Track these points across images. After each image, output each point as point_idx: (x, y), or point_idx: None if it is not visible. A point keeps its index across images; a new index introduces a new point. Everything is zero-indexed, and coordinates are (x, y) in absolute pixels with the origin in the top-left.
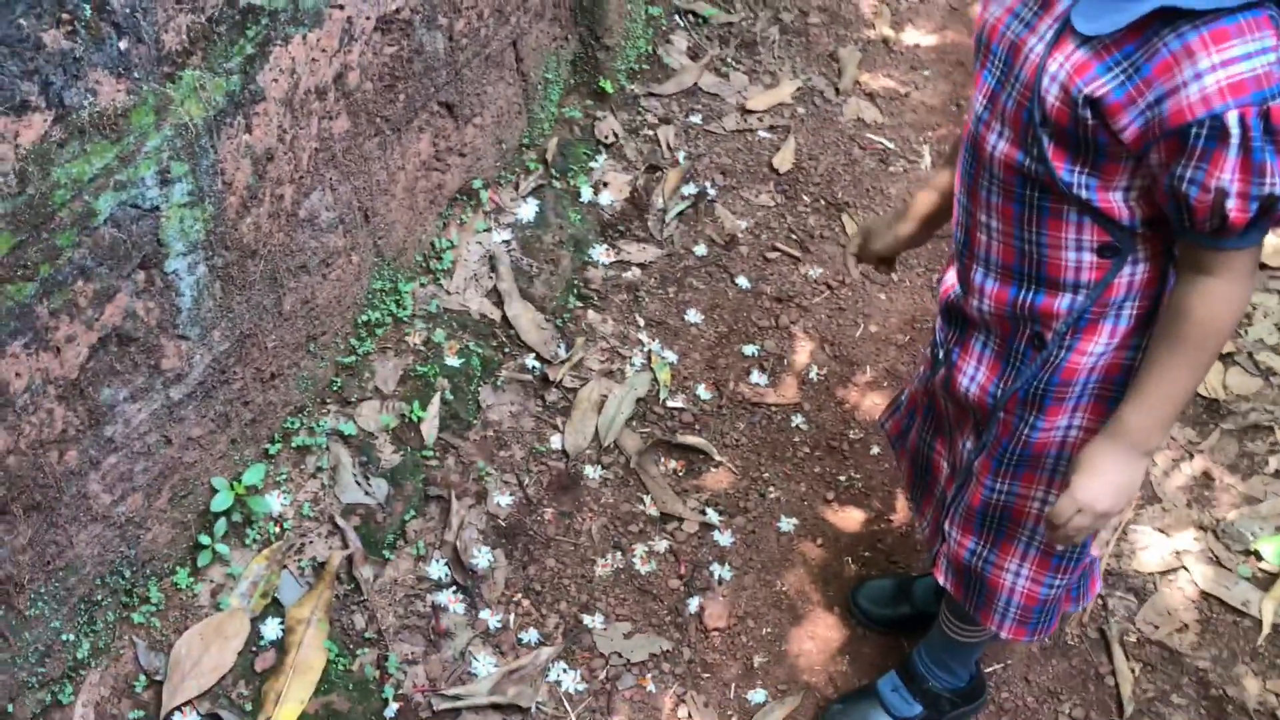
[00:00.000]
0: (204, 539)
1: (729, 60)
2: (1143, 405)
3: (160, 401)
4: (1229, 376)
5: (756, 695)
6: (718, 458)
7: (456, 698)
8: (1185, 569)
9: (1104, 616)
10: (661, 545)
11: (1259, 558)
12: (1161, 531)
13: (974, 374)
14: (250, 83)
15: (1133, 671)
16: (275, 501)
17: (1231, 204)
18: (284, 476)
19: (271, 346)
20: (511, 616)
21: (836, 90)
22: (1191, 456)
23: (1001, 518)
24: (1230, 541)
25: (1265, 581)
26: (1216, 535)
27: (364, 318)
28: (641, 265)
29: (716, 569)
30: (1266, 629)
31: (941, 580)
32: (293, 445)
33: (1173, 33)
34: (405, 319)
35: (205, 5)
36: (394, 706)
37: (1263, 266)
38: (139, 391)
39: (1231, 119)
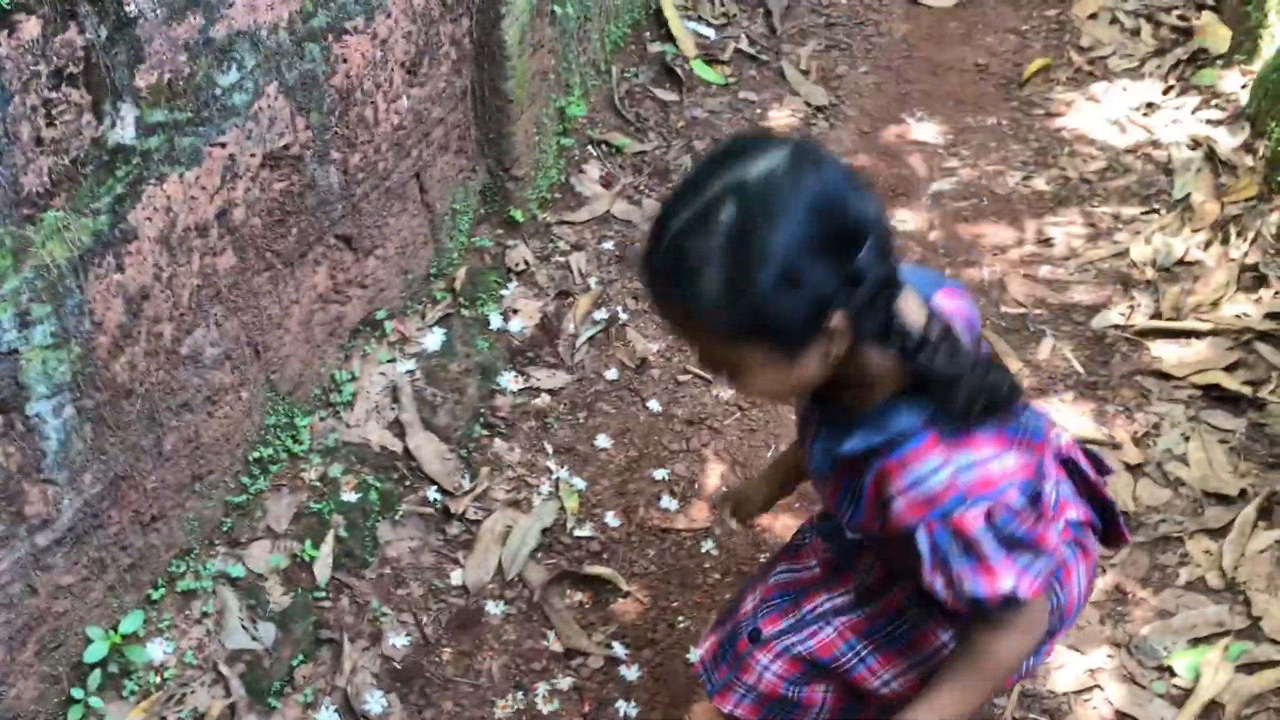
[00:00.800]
0: (76, 692)
1: (641, 188)
2: (929, 710)
3: (24, 550)
4: (1139, 488)
5: None
6: (625, 588)
7: None
8: (1100, 687)
9: None
10: (565, 683)
11: (1172, 673)
12: (1075, 649)
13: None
14: (120, 222)
15: None
16: (156, 649)
17: (949, 599)
18: (166, 623)
19: (151, 488)
20: None
21: None
22: (1104, 571)
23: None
24: (1144, 658)
25: (1179, 698)
26: (1130, 652)
27: (256, 454)
28: (551, 391)
29: (622, 706)
30: None
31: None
32: (177, 589)
33: (867, 466)
34: (301, 454)
35: (69, 147)
36: None
37: (1166, 377)
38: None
39: (920, 536)
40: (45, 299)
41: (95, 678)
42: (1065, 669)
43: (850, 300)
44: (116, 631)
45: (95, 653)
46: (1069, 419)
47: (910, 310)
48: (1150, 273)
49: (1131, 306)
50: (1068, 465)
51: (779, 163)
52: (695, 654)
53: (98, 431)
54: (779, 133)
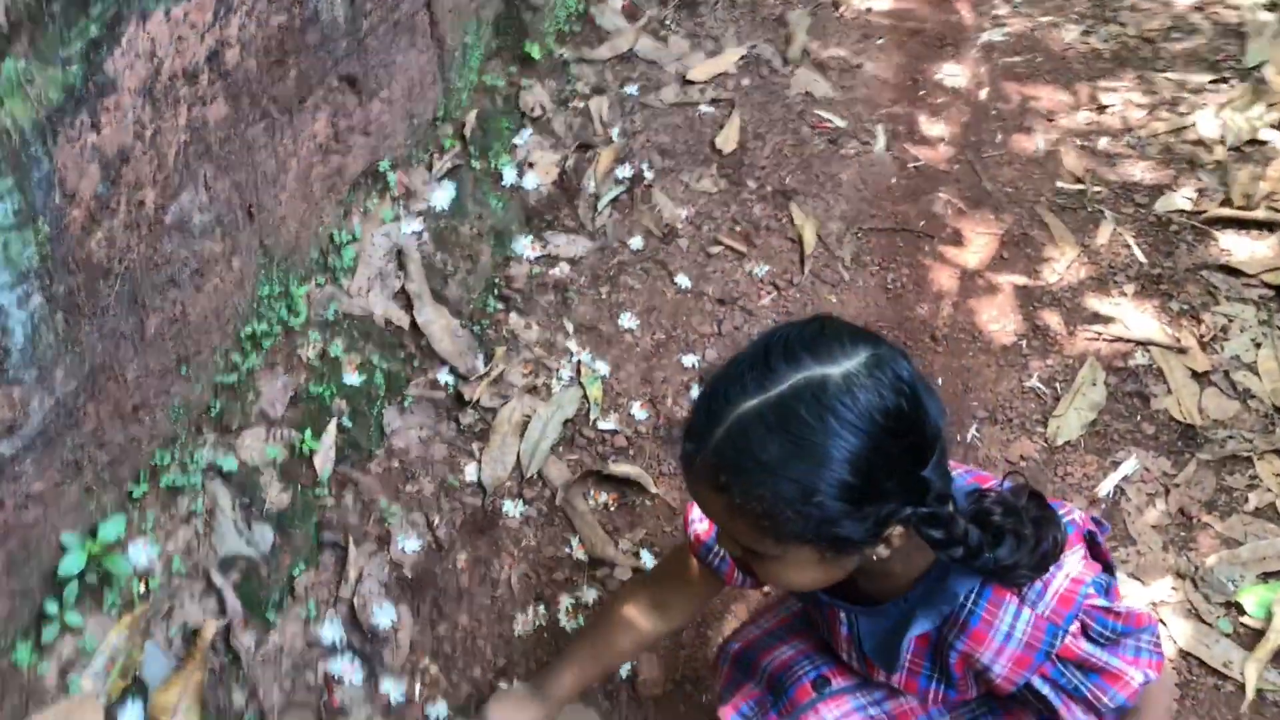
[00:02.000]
0: (50, 607)
1: (668, 23)
2: None
3: None
4: (1205, 398)
5: None
6: (654, 489)
7: None
8: (1163, 623)
9: None
10: (590, 595)
11: (1240, 610)
12: (1137, 578)
13: None
14: (96, 72)
15: None
16: (139, 555)
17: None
18: (150, 524)
19: (133, 377)
20: (417, 686)
21: (784, 60)
22: (1167, 491)
23: None
24: (1210, 591)
25: (1248, 639)
26: (1195, 584)
27: (249, 329)
28: (571, 261)
29: None
30: (1250, 694)
31: None
32: (161, 485)
33: (947, 644)
34: (298, 328)
35: None
36: None
37: (1235, 273)
38: None
39: (1038, 683)
40: (5, 170)
41: (72, 590)
42: (1125, 601)
43: (913, 513)
44: (95, 539)
45: (71, 564)
46: (1128, 313)
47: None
48: (1219, 152)
49: (1199, 190)
50: (1087, 537)
51: (860, 366)
52: (723, 706)
53: (71, 320)
54: (856, 327)
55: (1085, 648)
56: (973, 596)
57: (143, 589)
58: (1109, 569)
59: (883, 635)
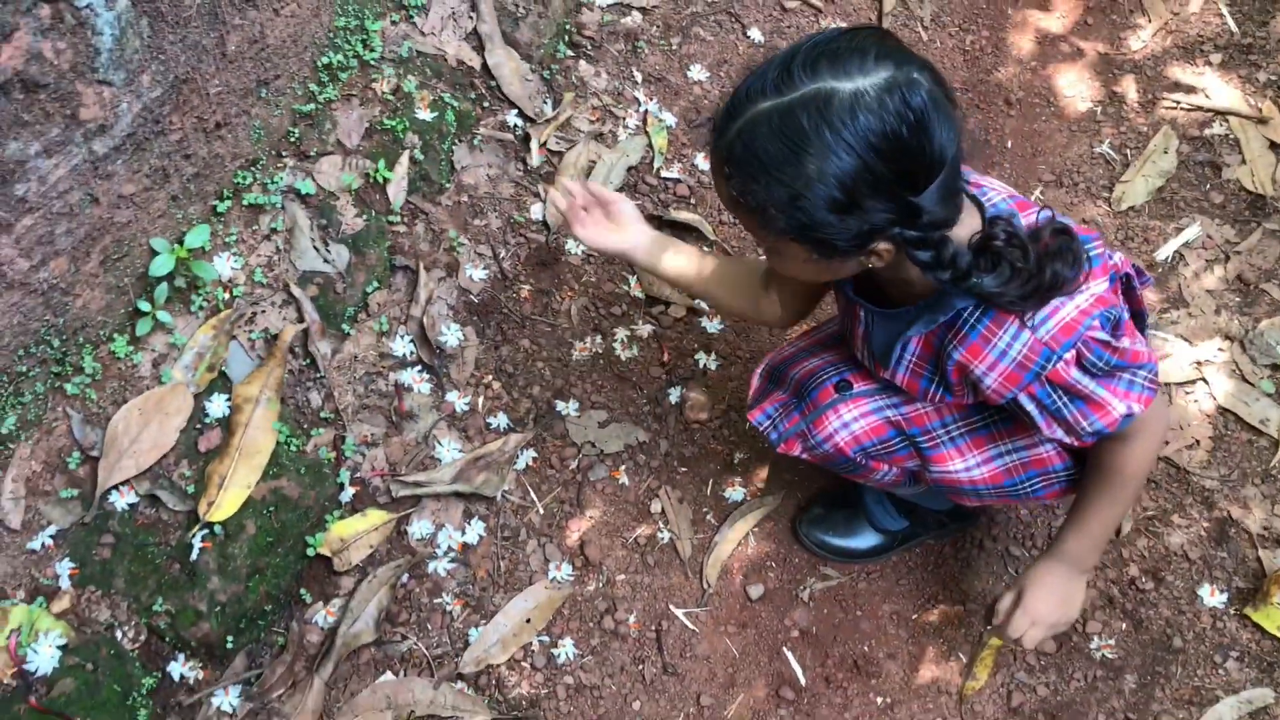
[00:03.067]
0: (143, 305)
1: None
2: (1082, 535)
3: (81, 156)
4: (1279, 170)
5: (734, 493)
6: (712, 237)
7: (417, 484)
8: (1205, 380)
9: None
10: (645, 330)
11: None
12: (1185, 339)
13: None
14: None
15: None
16: (224, 265)
17: (1074, 442)
18: (233, 238)
19: (215, 92)
20: (480, 399)
21: None
22: (1227, 258)
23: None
24: (1256, 354)
25: None
26: (1243, 346)
27: (325, 60)
28: (643, 10)
29: (702, 358)
30: None
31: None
32: (243, 203)
33: (944, 354)
34: (373, 62)
35: None
36: (349, 491)
37: None
38: (54, 145)
39: (1024, 399)
40: None
41: (162, 291)
42: (1171, 359)
43: (900, 233)
44: (182, 245)
45: (161, 266)
46: (1212, 85)
47: (964, 230)
48: None
49: None
50: (1123, 280)
51: (872, 86)
52: (750, 408)
53: (155, 28)
54: (892, 45)
55: (1074, 374)
56: (975, 313)
57: (226, 296)
58: (1140, 316)
59: (889, 335)
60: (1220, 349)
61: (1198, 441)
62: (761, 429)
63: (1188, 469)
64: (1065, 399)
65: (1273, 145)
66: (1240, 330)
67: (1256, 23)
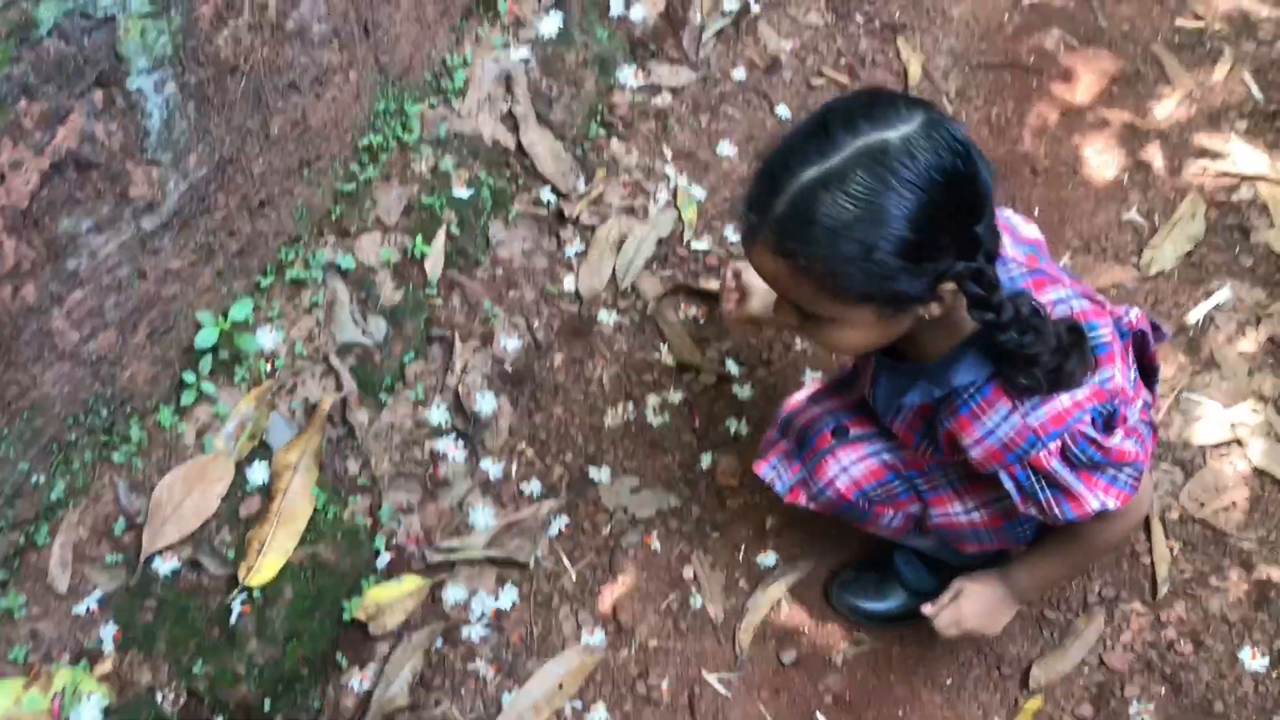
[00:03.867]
0: (188, 376)
1: None
2: (1032, 572)
3: (130, 232)
4: None
5: (767, 559)
6: None
7: (451, 550)
8: (1240, 443)
9: None
10: (676, 397)
11: None
12: (1218, 401)
13: None
14: None
15: (1171, 550)
16: (266, 338)
17: (1046, 520)
18: (276, 312)
19: (259, 172)
20: (514, 466)
21: None
22: (1259, 321)
23: None
24: None
25: None
26: (1277, 408)
27: (365, 141)
28: (673, 90)
29: (733, 424)
30: None
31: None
32: (286, 279)
33: (937, 420)
34: (411, 144)
35: None
36: (385, 557)
37: None
38: (105, 222)
39: (1003, 476)
40: None
41: (206, 363)
42: (1204, 420)
43: (965, 267)
44: (226, 318)
45: (206, 338)
46: (1238, 151)
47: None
48: None
49: None
50: (1136, 337)
51: (915, 129)
52: (756, 460)
53: (201, 110)
54: (907, 94)
55: (1055, 464)
56: (971, 390)
57: (268, 367)
58: (1151, 371)
59: (891, 389)
60: (1254, 410)
61: (1234, 503)
62: (767, 480)
63: (1225, 530)
64: (1043, 484)
65: None
66: (1274, 391)
67: None
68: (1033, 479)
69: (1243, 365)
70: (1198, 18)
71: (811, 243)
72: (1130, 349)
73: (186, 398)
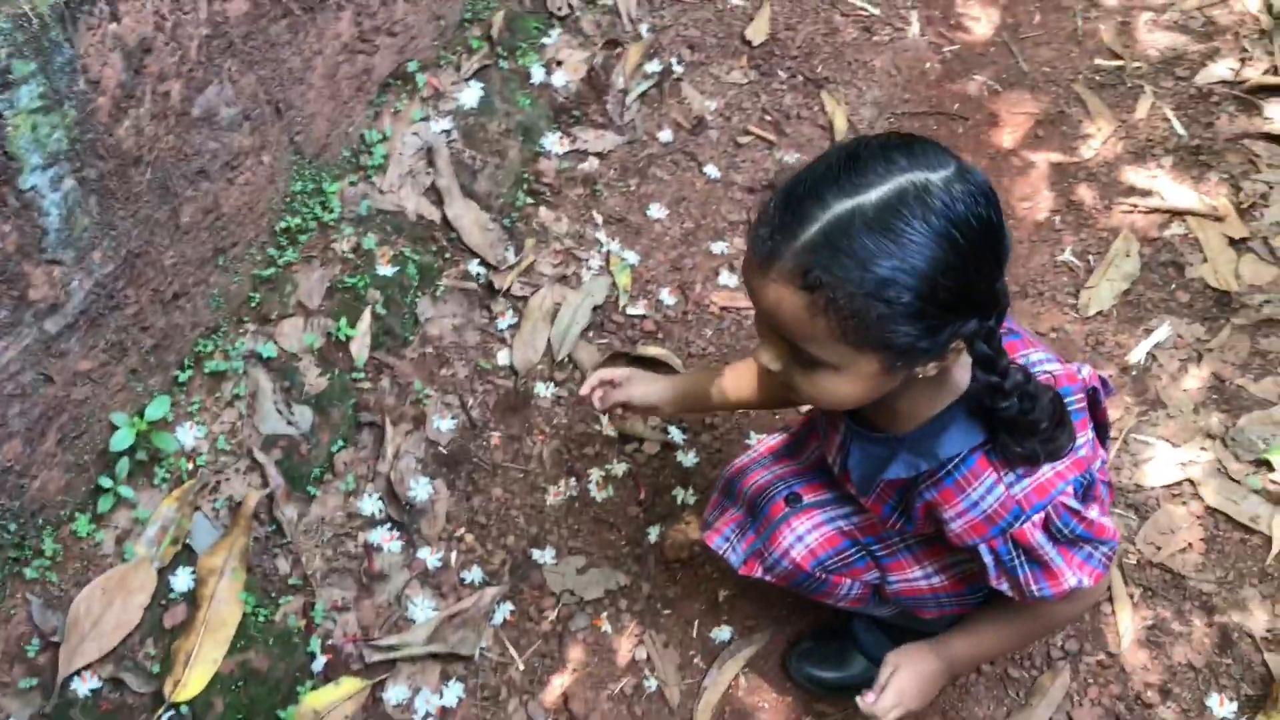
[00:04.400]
0: (105, 481)
1: None
2: (971, 645)
3: (32, 336)
4: (1242, 265)
5: (721, 633)
6: (681, 369)
7: (391, 647)
8: (1191, 482)
9: None
10: (620, 469)
11: (1270, 468)
12: (1167, 441)
13: None
14: None
15: (1131, 597)
16: (186, 435)
17: (1016, 597)
18: (195, 407)
19: (171, 264)
20: (453, 554)
21: None
22: (1200, 357)
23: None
24: (1240, 451)
25: (1277, 495)
26: (1225, 444)
27: (283, 224)
28: (599, 155)
29: (680, 494)
30: (1276, 547)
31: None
32: (205, 371)
33: (915, 491)
34: (332, 223)
35: None
36: (321, 660)
37: (1277, 140)
38: (3, 327)
39: (983, 550)
40: (28, 54)
41: (124, 466)
42: (1154, 461)
43: (978, 328)
44: (143, 418)
45: (121, 440)
46: (1166, 187)
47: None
48: (1265, 20)
49: (1241, 60)
50: (1089, 395)
51: (952, 173)
52: (707, 530)
53: (105, 205)
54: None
55: (1039, 538)
56: (955, 461)
57: (190, 466)
58: (1103, 428)
59: (868, 463)
60: (1203, 449)
61: (1190, 545)
62: (720, 552)
63: (1183, 573)
64: (1024, 559)
65: (1231, 242)
66: (1221, 428)
67: (1202, 124)
68: (1015, 553)
69: (1188, 403)
70: (1116, 56)
71: (841, 277)
72: (1086, 407)
73: (104, 504)
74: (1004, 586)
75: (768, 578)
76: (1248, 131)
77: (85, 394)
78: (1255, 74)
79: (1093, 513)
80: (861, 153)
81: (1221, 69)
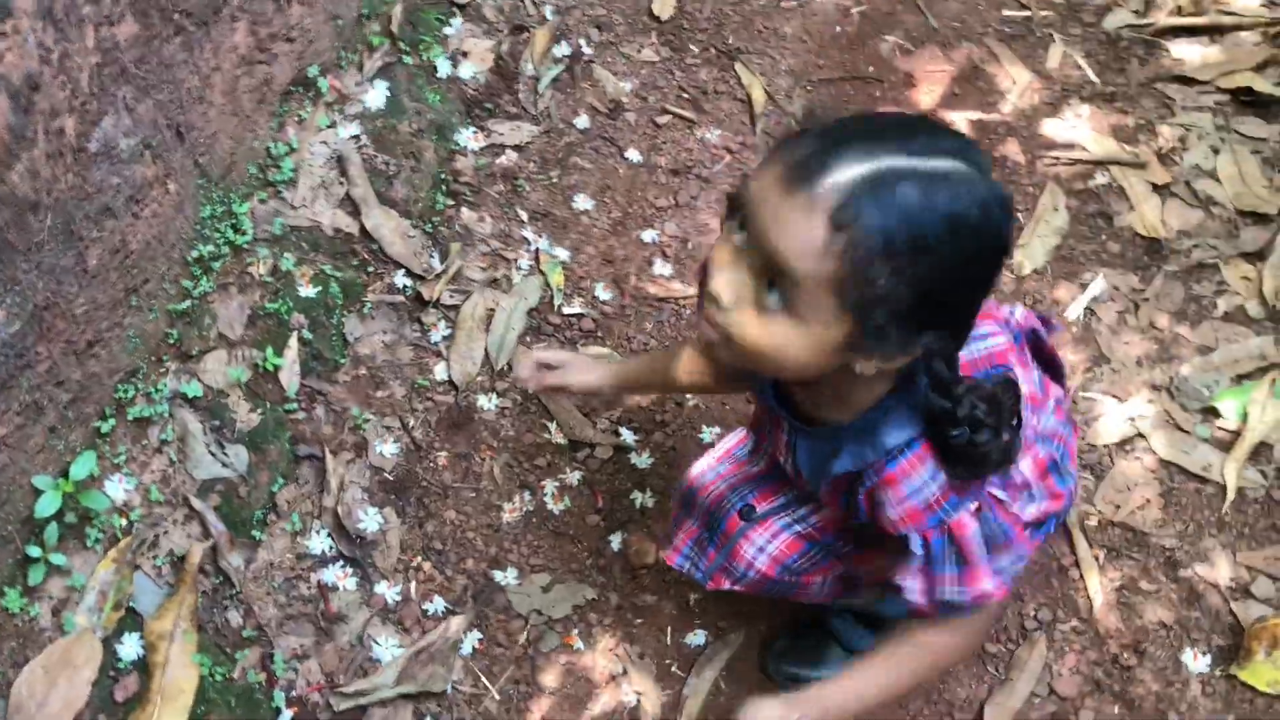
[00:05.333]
0: (33, 550)
1: None
2: (845, 695)
3: None
4: (1167, 211)
5: (696, 638)
6: None
7: (359, 693)
8: (1142, 436)
9: None
10: (574, 478)
11: (1218, 415)
12: (1114, 396)
13: None
14: None
15: (1096, 559)
16: (116, 490)
17: (917, 600)
18: (122, 458)
19: (81, 312)
20: (412, 585)
21: None
22: (1137, 307)
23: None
24: (1186, 400)
25: (1226, 442)
26: (1172, 394)
27: (195, 253)
28: (517, 147)
29: (638, 497)
30: (1231, 495)
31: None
32: (128, 419)
33: (860, 483)
34: (246, 246)
35: None
36: (288, 714)
37: (1189, 82)
38: None
39: (914, 541)
40: None
41: (52, 531)
42: (1104, 419)
43: (943, 345)
44: (68, 478)
45: (47, 504)
46: (1087, 136)
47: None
48: None
49: (1146, 2)
50: (1029, 336)
51: (997, 191)
52: (667, 550)
53: (4, 259)
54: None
55: (972, 533)
56: (900, 447)
57: (124, 522)
58: (1055, 368)
59: (815, 458)
60: (1150, 400)
61: (1148, 500)
62: (684, 572)
63: (1144, 530)
64: (951, 557)
65: (1156, 188)
66: (1164, 378)
67: (1114, 70)
68: (946, 549)
69: (1130, 354)
70: (1024, 6)
71: (872, 226)
72: (1025, 350)
73: (34, 575)
74: (911, 585)
75: (736, 588)
76: (1159, 74)
77: (3, 461)
78: (1161, 16)
79: (1016, 506)
80: (915, 123)
81: (1126, 13)
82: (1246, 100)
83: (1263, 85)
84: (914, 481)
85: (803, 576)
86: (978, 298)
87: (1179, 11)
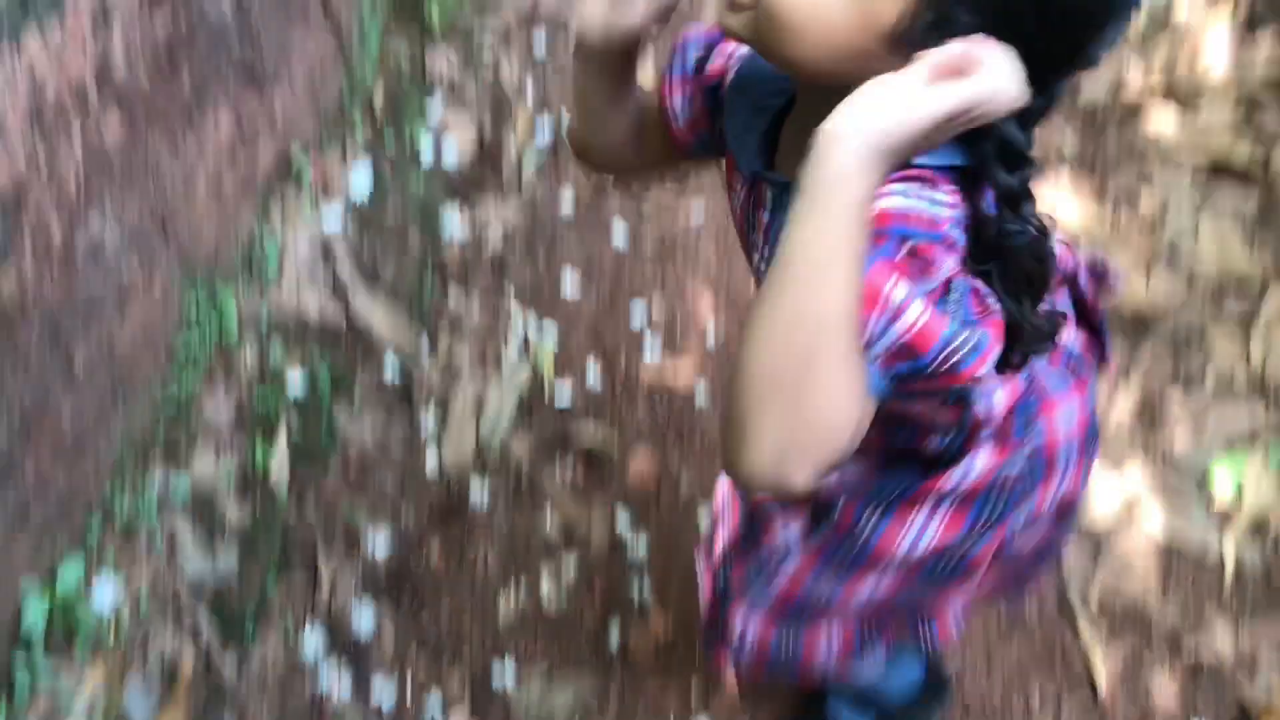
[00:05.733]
0: (19, 666)
1: None
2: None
3: None
4: (1150, 282)
5: None
6: (614, 455)
7: None
8: (1138, 509)
9: (1062, 581)
10: (571, 564)
11: (1212, 486)
12: (1107, 469)
13: None
14: None
15: (1099, 641)
16: (104, 597)
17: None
18: (111, 563)
19: (68, 416)
20: (408, 683)
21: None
22: (1128, 376)
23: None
24: (1182, 473)
25: (1222, 512)
26: (1165, 465)
27: (181, 349)
28: (504, 229)
29: (636, 582)
30: (1230, 571)
31: None
32: (116, 523)
33: None
34: (232, 340)
35: None
36: None
37: (1167, 153)
38: None
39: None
40: None
41: (39, 644)
42: (1099, 492)
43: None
44: (54, 587)
45: (34, 614)
46: (1069, 206)
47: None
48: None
49: (1119, 74)
50: (1070, 283)
51: None
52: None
53: None
54: None
55: (938, 253)
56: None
57: (113, 630)
58: (1100, 330)
59: None
60: (1146, 474)
61: (1147, 577)
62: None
63: (1145, 609)
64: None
65: (1137, 259)
66: (1159, 451)
67: (1091, 138)
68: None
69: (1123, 425)
70: None
71: None
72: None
73: (20, 688)
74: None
75: (742, 664)
76: (1134, 145)
77: None
78: (1135, 85)
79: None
80: None
81: (1101, 84)
82: (1224, 168)
83: (1238, 158)
84: (909, 191)
85: (804, 633)
86: (1083, 35)
87: (1152, 86)
